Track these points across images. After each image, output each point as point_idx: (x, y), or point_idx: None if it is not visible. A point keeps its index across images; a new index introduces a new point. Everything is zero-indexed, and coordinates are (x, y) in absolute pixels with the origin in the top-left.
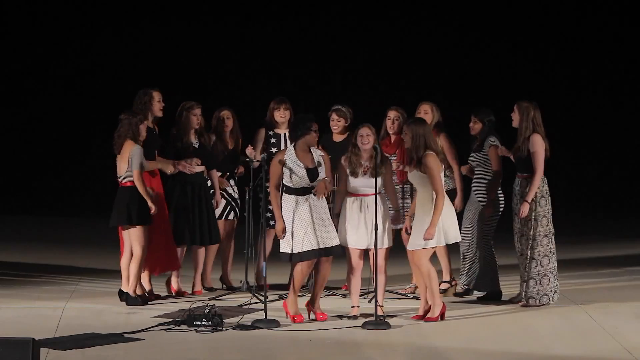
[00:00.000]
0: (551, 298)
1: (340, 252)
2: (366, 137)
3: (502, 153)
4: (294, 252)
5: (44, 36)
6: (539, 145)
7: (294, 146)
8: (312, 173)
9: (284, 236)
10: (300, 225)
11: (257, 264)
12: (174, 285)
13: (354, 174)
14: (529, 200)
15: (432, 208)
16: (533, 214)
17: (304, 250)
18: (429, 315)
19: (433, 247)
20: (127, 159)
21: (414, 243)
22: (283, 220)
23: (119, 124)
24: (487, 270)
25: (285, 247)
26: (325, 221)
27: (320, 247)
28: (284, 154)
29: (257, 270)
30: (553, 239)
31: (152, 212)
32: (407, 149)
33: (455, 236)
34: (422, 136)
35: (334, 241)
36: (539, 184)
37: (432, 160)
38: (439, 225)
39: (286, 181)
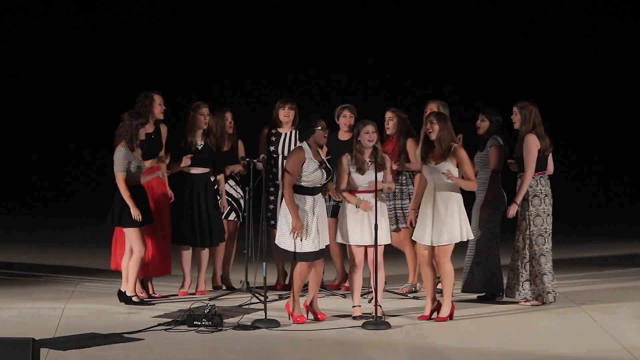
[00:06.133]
0: (546, 299)
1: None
2: (372, 134)
3: (513, 168)
4: (296, 251)
5: (44, 35)
6: (531, 145)
7: (308, 144)
8: (328, 171)
9: (299, 235)
10: (309, 226)
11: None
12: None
13: (361, 170)
14: (517, 202)
15: (454, 201)
16: (526, 213)
17: (304, 251)
18: (440, 315)
19: (456, 242)
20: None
21: (437, 239)
22: (300, 219)
23: (120, 123)
24: (488, 271)
25: (289, 245)
26: (325, 222)
27: (320, 248)
28: (304, 153)
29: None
30: (549, 239)
31: (134, 218)
32: (432, 141)
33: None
34: (449, 129)
35: (327, 242)
36: (532, 183)
37: (464, 152)
38: (459, 222)
39: (302, 181)
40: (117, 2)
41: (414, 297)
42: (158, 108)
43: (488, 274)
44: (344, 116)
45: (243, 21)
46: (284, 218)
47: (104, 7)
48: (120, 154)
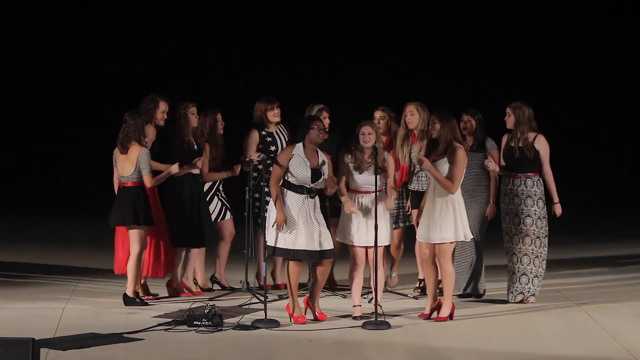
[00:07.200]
0: (528, 298)
1: (331, 256)
2: (368, 136)
3: (500, 172)
4: (277, 246)
5: (44, 36)
6: (546, 144)
7: (303, 144)
8: (316, 174)
9: (281, 228)
10: (289, 223)
11: (257, 263)
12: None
13: (359, 170)
14: (557, 200)
15: (450, 200)
16: (530, 212)
17: (296, 248)
18: (440, 315)
19: (450, 242)
20: (134, 162)
21: (439, 237)
22: (284, 212)
23: (124, 124)
24: (479, 272)
25: (270, 240)
26: (319, 223)
27: (312, 249)
28: (293, 149)
29: (257, 270)
30: (545, 241)
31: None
32: (433, 139)
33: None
34: (451, 128)
35: (327, 245)
36: (538, 184)
37: (462, 154)
38: (454, 221)
39: (289, 176)
40: (113, 4)
41: (414, 297)
42: (160, 115)
43: (478, 275)
44: (324, 117)
45: (237, 22)
46: (271, 214)
47: (102, 9)
48: (145, 158)
